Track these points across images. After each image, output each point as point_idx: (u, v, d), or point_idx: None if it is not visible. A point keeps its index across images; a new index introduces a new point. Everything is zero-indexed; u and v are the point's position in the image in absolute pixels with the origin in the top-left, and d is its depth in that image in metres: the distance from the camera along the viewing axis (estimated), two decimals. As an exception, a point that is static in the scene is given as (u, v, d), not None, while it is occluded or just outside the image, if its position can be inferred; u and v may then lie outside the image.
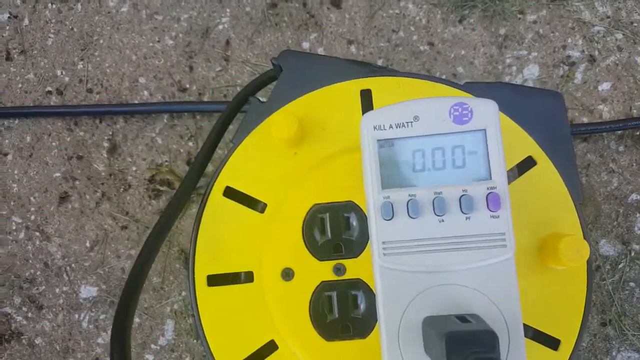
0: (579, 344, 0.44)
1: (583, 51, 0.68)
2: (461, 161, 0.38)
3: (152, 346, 0.68)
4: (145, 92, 0.74)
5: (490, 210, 0.37)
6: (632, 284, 0.63)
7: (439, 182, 0.37)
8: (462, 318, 0.35)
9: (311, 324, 0.44)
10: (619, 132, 0.65)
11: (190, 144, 0.71)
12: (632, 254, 0.63)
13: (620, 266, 0.63)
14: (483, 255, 0.36)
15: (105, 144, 0.73)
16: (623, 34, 0.68)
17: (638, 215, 0.64)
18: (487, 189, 0.37)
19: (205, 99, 0.73)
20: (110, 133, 0.73)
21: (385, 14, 0.71)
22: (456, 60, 0.69)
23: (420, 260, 0.37)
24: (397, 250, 0.37)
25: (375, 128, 0.38)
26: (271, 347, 0.45)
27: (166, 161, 0.71)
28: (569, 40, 0.68)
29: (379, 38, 0.70)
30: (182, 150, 0.71)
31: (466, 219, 0.37)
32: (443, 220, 0.37)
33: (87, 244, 0.70)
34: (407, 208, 0.37)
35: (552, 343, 0.44)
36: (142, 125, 0.73)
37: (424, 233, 0.37)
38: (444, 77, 0.69)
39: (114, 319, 0.36)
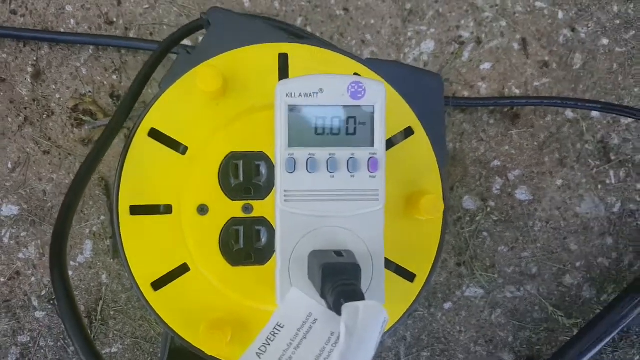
0: (430, 278, 0.55)
1: (472, 33, 0.77)
2: (353, 130, 0.45)
3: (72, 263, 0.73)
4: (72, 21, 0.75)
5: (370, 172, 0.45)
6: (485, 233, 0.76)
7: (334, 145, 0.44)
8: (339, 253, 0.43)
9: (220, 252, 0.51)
10: (491, 107, 0.76)
11: (115, 77, 0.74)
12: (488, 209, 0.76)
13: (477, 218, 0.76)
14: (361, 205, 0.44)
15: (29, 69, 0.74)
16: (506, 22, 0.78)
17: (497, 178, 0.76)
18: (369, 154, 0.45)
19: (132, 34, 0.75)
20: (35, 58, 0.74)
21: (308, -24, 0.76)
22: (366, 28, 0.76)
23: (313, 207, 0.44)
24: (295, 198, 0.44)
25: (287, 95, 0.44)
26: (184, 269, 0.51)
27: (89, 92, 0.74)
28: (463, 21, 0.77)
29: (301, -3, 0.76)
30: (105, 83, 0.74)
31: (351, 176, 0.44)
32: (333, 177, 0.44)
33: (9, 165, 0.73)
34: (307, 164, 0.44)
35: (410, 276, 0.54)
36: (67, 54, 0.74)
37: (318, 185, 0.44)
38: (354, 42, 0.76)
39: (50, 247, 0.41)
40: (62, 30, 0.75)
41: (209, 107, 0.53)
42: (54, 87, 0.73)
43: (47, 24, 0.74)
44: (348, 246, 0.45)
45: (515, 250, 0.77)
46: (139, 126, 0.53)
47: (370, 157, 0.45)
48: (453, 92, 0.76)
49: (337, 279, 0.39)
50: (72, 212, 0.45)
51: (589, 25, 0.79)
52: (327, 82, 0.45)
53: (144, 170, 0.52)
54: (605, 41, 0.79)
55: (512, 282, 0.77)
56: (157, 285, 0.52)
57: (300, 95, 0.45)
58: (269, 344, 0.37)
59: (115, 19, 0.75)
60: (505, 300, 0.78)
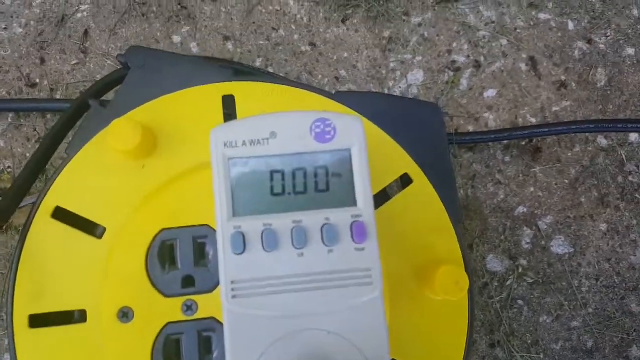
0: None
1: (468, 56, 0.66)
2: (324, 185, 0.33)
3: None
4: (-13, 86, 0.63)
5: (355, 242, 0.32)
6: (520, 301, 0.61)
7: (299, 208, 0.32)
8: None
9: (154, 376, 0.37)
10: (505, 141, 0.63)
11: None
12: (520, 269, 0.62)
13: (508, 283, 0.61)
14: (347, 294, 0.32)
15: (-64, 148, 0.61)
16: (508, 40, 0.66)
17: (525, 228, 0.63)
18: (352, 217, 0.32)
19: (58, 96, 0.63)
20: (-57, 134, 0.62)
21: (264, 10, 0.65)
22: (339, 63, 0.64)
23: (276, 303, 0.32)
24: (248, 291, 0.32)
25: (226, 145, 0.33)
26: None
27: (9, 167, 0.61)
28: (455, 44, 0.66)
29: (258, 35, 0.64)
30: (28, 155, 0.61)
31: (329, 252, 0.32)
32: (303, 255, 0.32)
33: None
34: (262, 240, 0.32)
35: None
36: (-20, 126, 0.62)
37: (281, 270, 0.32)
38: (326, 80, 0.64)
39: None
40: (-25, 98, 0.63)
41: (133, 172, 0.41)
42: (-36, 166, 0.61)
43: (-41, 92, 0.62)
44: (336, 357, 0.32)
45: (561, 319, 0.62)
46: (39, 206, 0.40)
47: (354, 221, 0.33)
48: (455, 128, 0.64)
49: None
50: None
51: (608, 34, 0.68)
52: (280, 123, 0.34)
53: (47, 264, 0.40)
54: (630, 51, 0.67)
55: (564, 362, 0.62)
56: None
57: (244, 143, 0.33)
58: None
59: (38, 80, 0.63)
60: (557, 388, 0.62)
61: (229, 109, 0.43)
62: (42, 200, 0.40)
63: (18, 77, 0.63)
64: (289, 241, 0.32)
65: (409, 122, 0.43)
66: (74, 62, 0.64)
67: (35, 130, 0.62)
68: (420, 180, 0.41)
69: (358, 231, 0.32)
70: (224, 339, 0.32)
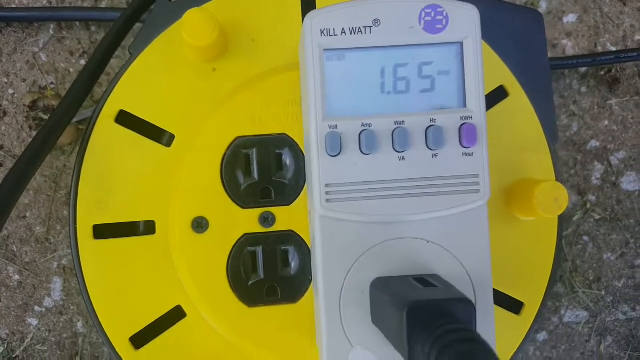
0: (543, 308, 0.39)
1: (549, -23, 0.62)
2: (430, 83, 0.30)
3: (37, 308, 0.57)
4: (27, -5, 0.60)
5: (463, 147, 0.30)
6: (585, 237, 0.59)
7: (401, 109, 0.30)
8: (422, 280, 0.28)
9: (229, 286, 0.36)
10: (583, 70, 0.60)
11: (82, 61, 0.59)
12: (588, 205, 0.60)
13: (574, 218, 0.59)
14: (451, 201, 0.30)
15: (-26, 59, 0.59)
16: (592, -39, 0.62)
17: (596, 163, 0.60)
18: (461, 119, 0.30)
19: (103, 5, 0.60)
20: (-20, 46, 0.60)
21: None
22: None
23: (373, 208, 0.30)
24: (343, 195, 0.30)
25: (322, 33, 0.30)
26: (177, 314, 0.37)
27: (52, 83, 0.59)
28: (535, -37, 0.62)
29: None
30: (72, 70, 0.59)
31: (433, 156, 0.30)
32: (404, 158, 0.30)
33: (-51, 183, 0.58)
34: (360, 141, 0.30)
35: (514, 306, 0.39)
36: (21, 37, 0.60)
37: (380, 174, 0.30)
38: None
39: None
40: (14, 6, 0.60)
41: (203, 75, 0.39)
42: (5, 80, 0.59)
43: (-4, 1, 0.60)
44: (433, 268, 0.31)
45: (625, 257, 0.60)
46: (101, 109, 0.38)
47: (464, 124, 0.30)
48: (530, 53, 0.60)
49: (438, 326, 0.23)
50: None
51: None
52: (386, 9, 0.30)
53: (111, 173, 0.38)
54: None
55: (625, 299, 0.60)
56: (139, 340, 0.37)
57: (343, 32, 0.31)
58: None
59: (82, -11, 0.60)
60: (618, 325, 0.61)
61: (309, 9, 0.40)
62: (104, 104, 0.38)
63: (59, -14, 0.61)
64: (389, 143, 0.30)
65: (508, 29, 0.40)
66: (120, -30, 0.61)
67: (79, 43, 0.59)
68: (517, 93, 0.39)
69: (467, 134, 0.30)
70: (313, 247, 0.31)
